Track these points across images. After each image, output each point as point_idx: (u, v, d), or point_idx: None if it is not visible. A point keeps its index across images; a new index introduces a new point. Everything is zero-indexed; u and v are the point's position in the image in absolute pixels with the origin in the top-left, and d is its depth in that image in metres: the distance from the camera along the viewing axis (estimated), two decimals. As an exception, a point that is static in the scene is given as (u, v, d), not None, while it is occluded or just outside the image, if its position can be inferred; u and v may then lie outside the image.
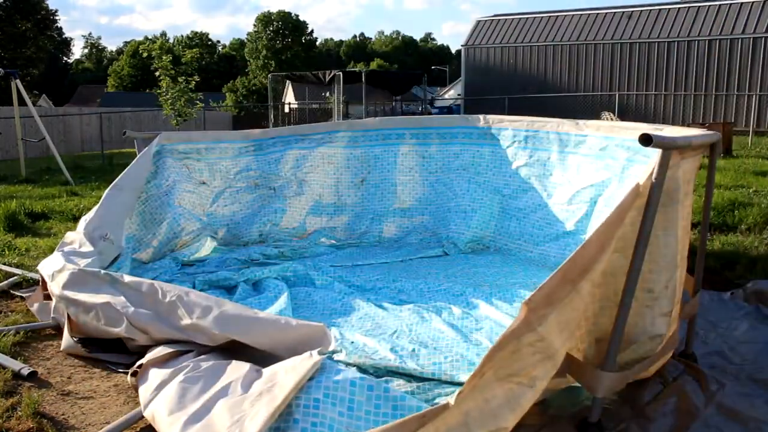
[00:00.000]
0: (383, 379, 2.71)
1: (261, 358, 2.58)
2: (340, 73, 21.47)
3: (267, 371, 2.38)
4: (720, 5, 23.64)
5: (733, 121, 21.17)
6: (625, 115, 20.01)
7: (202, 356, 2.70)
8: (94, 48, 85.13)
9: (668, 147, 2.25)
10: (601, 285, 2.33)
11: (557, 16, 26.78)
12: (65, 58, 64.00)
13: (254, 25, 65.38)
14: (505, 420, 2.03)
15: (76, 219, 6.58)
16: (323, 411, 2.14)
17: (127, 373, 2.87)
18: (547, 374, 2.14)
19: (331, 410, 2.15)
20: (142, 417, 2.50)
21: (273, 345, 2.62)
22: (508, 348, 2.01)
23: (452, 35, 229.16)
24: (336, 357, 2.93)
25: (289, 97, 40.36)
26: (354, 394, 2.21)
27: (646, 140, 2.17)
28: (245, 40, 69.80)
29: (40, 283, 3.82)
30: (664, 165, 2.25)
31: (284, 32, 63.51)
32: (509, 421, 2.04)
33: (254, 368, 2.45)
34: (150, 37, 69.93)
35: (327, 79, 21.65)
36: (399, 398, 2.26)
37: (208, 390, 2.37)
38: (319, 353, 2.38)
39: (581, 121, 4.91)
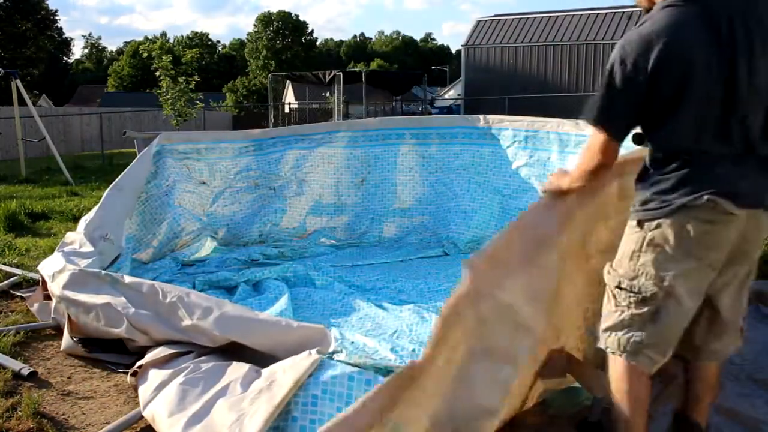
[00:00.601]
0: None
1: (261, 359, 2.58)
2: (341, 73, 21.45)
3: (266, 371, 2.39)
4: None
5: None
6: (625, 115, 19.98)
7: (203, 357, 2.70)
8: (94, 48, 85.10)
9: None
10: (600, 284, 2.33)
11: (557, 16, 26.76)
12: (65, 58, 63.92)
13: (254, 25, 65.44)
14: (490, 400, 1.90)
15: (76, 219, 6.57)
16: (321, 408, 2.14)
17: (127, 374, 2.87)
18: (526, 347, 1.99)
19: (329, 406, 2.15)
20: (142, 417, 2.50)
21: (273, 347, 2.62)
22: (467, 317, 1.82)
23: (452, 35, 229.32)
24: (336, 357, 2.92)
25: (289, 97, 40.33)
26: (352, 389, 2.22)
27: (639, 139, 2.17)
28: (245, 40, 69.81)
29: (40, 284, 3.82)
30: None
31: (284, 32, 63.51)
32: (496, 401, 1.92)
33: (254, 369, 2.46)
34: (150, 37, 69.92)
35: (327, 79, 21.62)
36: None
37: (208, 391, 2.38)
38: (318, 352, 2.38)
39: (581, 121, 4.91)
